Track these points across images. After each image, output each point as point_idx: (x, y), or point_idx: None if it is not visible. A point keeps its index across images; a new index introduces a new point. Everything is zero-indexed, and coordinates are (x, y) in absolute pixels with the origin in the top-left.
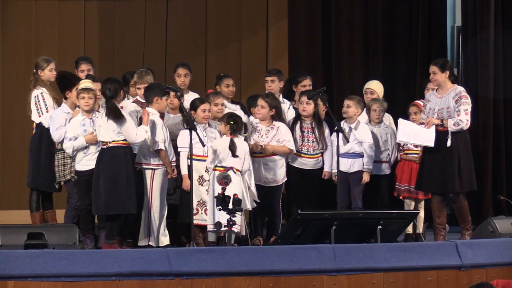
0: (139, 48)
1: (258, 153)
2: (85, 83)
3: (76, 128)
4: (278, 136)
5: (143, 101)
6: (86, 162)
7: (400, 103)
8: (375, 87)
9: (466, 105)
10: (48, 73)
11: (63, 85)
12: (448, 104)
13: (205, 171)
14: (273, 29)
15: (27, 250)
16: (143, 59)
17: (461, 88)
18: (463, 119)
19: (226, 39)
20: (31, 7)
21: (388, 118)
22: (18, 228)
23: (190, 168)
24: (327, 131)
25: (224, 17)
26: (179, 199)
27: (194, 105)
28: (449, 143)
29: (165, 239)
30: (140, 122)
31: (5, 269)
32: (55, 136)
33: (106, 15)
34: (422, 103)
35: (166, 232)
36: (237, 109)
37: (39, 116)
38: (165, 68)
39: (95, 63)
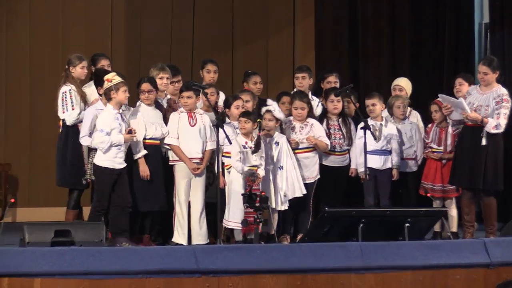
0: (166, 45)
1: (294, 149)
2: (117, 77)
3: (112, 122)
4: (313, 132)
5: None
6: (119, 160)
7: (427, 101)
8: (404, 84)
9: (506, 109)
10: (80, 70)
11: (98, 82)
12: (488, 103)
13: None
14: (299, 26)
15: (54, 247)
16: (170, 56)
17: (505, 91)
18: (502, 123)
19: (253, 36)
20: (58, 3)
21: (415, 115)
22: (45, 225)
23: (218, 165)
24: (353, 127)
25: (251, 14)
26: (213, 196)
27: (228, 102)
28: (484, 142)
29: (199, 238)
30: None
31: (32, 266)
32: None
33: (133, 12)
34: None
35: (203, 230)
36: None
37: (63, 113)
38: (192, 65)
39: (122, 59)
